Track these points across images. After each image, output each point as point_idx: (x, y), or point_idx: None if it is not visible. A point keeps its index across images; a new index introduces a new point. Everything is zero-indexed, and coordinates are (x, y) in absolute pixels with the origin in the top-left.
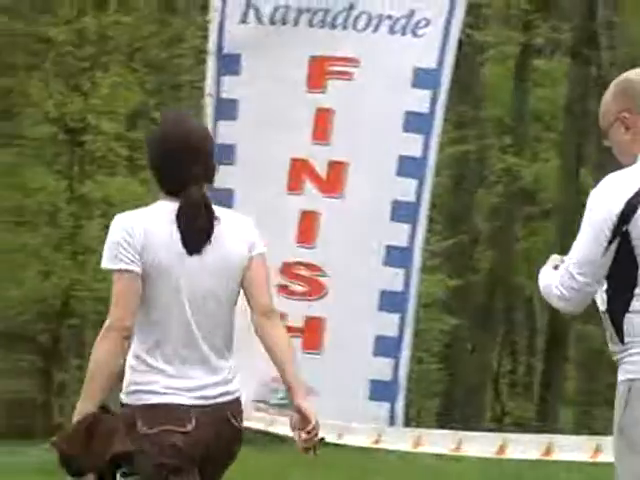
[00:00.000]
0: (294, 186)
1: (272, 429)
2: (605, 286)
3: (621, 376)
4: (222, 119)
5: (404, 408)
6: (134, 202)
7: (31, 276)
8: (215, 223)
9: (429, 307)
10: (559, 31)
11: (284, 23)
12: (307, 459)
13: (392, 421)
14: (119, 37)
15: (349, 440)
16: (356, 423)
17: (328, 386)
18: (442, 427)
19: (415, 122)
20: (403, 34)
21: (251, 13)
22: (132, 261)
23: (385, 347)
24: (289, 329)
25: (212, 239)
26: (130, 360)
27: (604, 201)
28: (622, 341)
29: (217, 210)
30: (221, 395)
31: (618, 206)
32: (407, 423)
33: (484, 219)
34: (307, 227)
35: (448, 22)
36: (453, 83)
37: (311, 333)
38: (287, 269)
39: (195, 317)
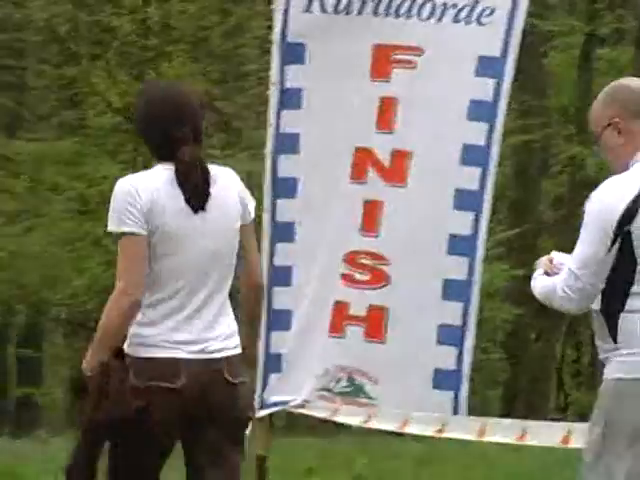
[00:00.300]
0: (358, 175)
1: (336, 418)
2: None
3: (609, 374)
4: (286, 108)
5: (468, 397)
6: None
7: (94, 265)
8: (211, 181)
9: (492, 296)
10: (624, 20)
11: (348, 12)
12: (371, 448)
13: (455, 410)
14: (183, 27)
15: (412, 429)
16: (419, 412)
17: (391, 375)
18: (505, 416)
19: (479, 110)
20: (467, 23)
21: (315, 2)
22: (139, 224)
23: (449, 336)
24: (352, 318)
25: (212, 198)
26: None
27: (606, 203)
28: (615, 340)
29: (211, 168)
30: (217, 351)
31: (620, 207)
32: (470, 412)
33: (548, 208)
34: (370, 216)
35: (513, 11)
36: (517, 72)
37: (374, 322)
38: (350, 258)
39: (199, 276)
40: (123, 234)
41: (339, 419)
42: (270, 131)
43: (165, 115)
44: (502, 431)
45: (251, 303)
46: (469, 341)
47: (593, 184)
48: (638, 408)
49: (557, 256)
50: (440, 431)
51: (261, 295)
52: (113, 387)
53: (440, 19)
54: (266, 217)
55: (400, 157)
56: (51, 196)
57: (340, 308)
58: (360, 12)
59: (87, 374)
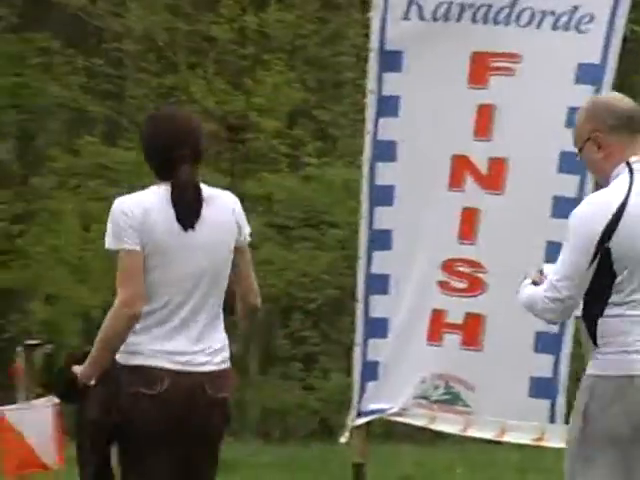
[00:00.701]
0: (455, 182)
1: (434, 426)
2: None
3: (588, 371)
4: (383, 116)
5: (565, 405)
6: (295, 199)
7: None
8: (204, 201)
9: None
10: None
11: (446, 19)
12: (468, 456)
13: (552, 418)
14: (280, 35)
15: (510, 437)
16: (516, 420)
17: (487, 383)
18: None
19: None
20: (566, 30)
21: (413, 9)
22: (134, 241)
23: (546, 343)
24: (449, 326)
25: (204, 217)
26: None
27: (587, 220)
28: (595, 342)
29: (207, 190)
30: (201, 364)
31: (600, 224)
32: (567, 421)
33: None
34: (468, 224)
35: (612, 18)
36: (616, 79)
37: (471, 329)
38: (448, 265)
39: (188, 290)
40: (120, 251)
41: (437, 427)
42: (368, 139)
43: (165, 138)
44: None
45: (245, 323)
46: (566, 349)
47: None
48: (609, 402)
49: (547, 268)
50: (539, 439)
51: (255, 316)
52: (109, 394)
53: (539, 26)
54: (363, 225)
55: (497, 164)
56: None
57: (437, 316)
58: (458, 19)
59: (83, 382)
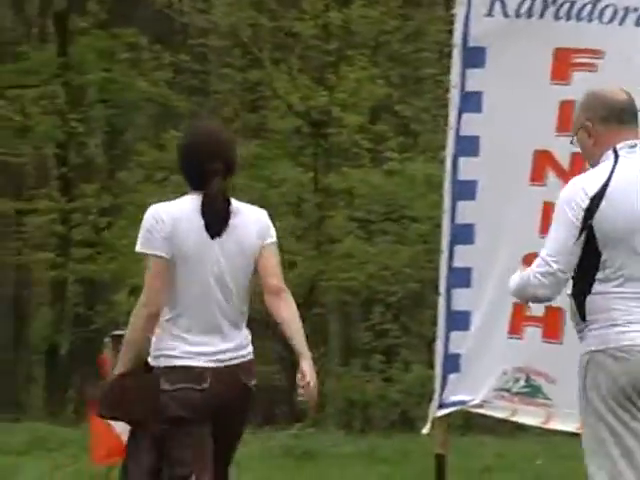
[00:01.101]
0: (537, 177)
1: (515, 418)
2: None
3: (582, 349)
4: (466, 111)
5: None
6: (376, 193)
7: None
8: (232, 212)
9: None
10: None
11: (529, 16)
12: (549, 447)
13: None
14: (364, 31)
15: None
16: None
17: (567, 375)
18: None
19: None
20: None
21: (497, 6)
22: (161, 247)
23: None
24: (530, 319)
25: (230, 227)
26: (156, 329)
27: (572, 199)
28: (584, 319)
29: (235, 203)
30: (232, 359)
31: (585, 202)
32: None
33: None
34: (549, 218)
35: None
36: None
37: (551, 322)
38: (529, 259)
39: (213, 293)
40: (149, 256)
41: (518, 419)
42: (450, 134)
43: (199, 152)
44: None
45: (275, 307)
46: None
47: None
48: (608, 374)
49: None
50: None
51: (283, 295)
52: (148, 392)
53: (622, 22)
54: (445, 219)
55: (579, 160)
56: (231, 197)
57: (519, 309)
58: (541, 16)
59: (115, 381)
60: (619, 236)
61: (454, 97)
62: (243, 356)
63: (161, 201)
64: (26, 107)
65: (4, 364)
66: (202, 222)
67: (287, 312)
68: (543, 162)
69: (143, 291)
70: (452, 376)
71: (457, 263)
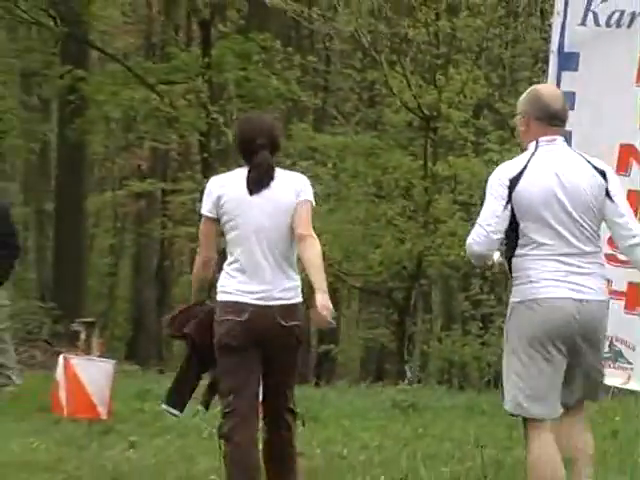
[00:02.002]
0: (622, 167)
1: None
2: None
3: (510, 300)
4: None
5: None
6: (477, 180)
7: (388, 242)
8: (273, 177)
9: None
10: None
11: (619, 26)
12: (623, 407)
13: None
14: (468, 38)
15: None
16: None
17: None
18: None
19: None
20: None
21: (590, 16)
22: (210, 210)
23: None
24: (614, 292)
25: (270, 188)
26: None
27: (499, 178)
28: (511, 276)
29: (279, 171)
30: (272, 300)
31: (508, 180)
32: None
33: None
34: (632, 204)
35: None
36: None
37: (632, 297)
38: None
39: (256, 244)
40: (203, 216)
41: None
42: None
43: (249, 129)
44: None
45: (301, 250)
46: None
47: None
48: (525, 321)
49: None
50: None
51: (309, 240)
52: (207, 319)
53: None
54: None
55: None
56: (351, 182)
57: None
58: (629, 26)
59: (184, 308)
60: (533, 210)
61: None
62: (284, 299)
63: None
64: (174, 100)
65: (150, 324)
66: (249, 184)
67: (309, 253)
68: (627, 154)
69: (199, 243)
70: None
71: None
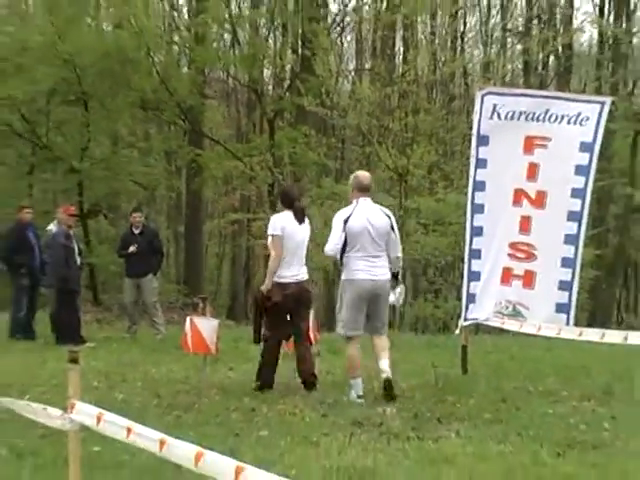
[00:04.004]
0: (517, 202)
1: (503, 326)
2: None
3: (342, 278)
4: (479, 168)
5: (575, 316)
6: (431, 210)
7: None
8: (305, 216)
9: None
10: None
11: (512, 119)
12: (520, 342)
13: (568, 323)
14: (425, 127)
15: (543, 332)
16: (547, 323)
17: (535, 306)
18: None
19: (581, 170)
20: (574, 124)
21: (495, 114)
22: (279, 231)
23: (564, 285)
24: (515, 276)
25: (304, 222)
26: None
27: (339, 217)
28: (341, 265)
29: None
30: (300, 279)
31: (343, 220)
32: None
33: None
34: (524, 225)
35: (599, 118)
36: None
37: (527, 278)
38: (513, 245)
39: (297, 251)
40: (274, 234)
41: (506, 327)
42: (470, 180)
43: (291, 192)
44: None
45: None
46: (575, 288)
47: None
48: (349, 290)
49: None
50: (558, 333)
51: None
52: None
53: (560, 122)
54: (467, 223)
55: (541, 194)
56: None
57: (507, 271)
58: (518, 119)
59: (264, 290)
60: (356, 235)
61: (472, 161)
62: (304, 279)
63: (316, 212)
64: (253, 166)
65: (240, 299)
66: (294, 218)
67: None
68: (520, 194)
69: (273, 250)
70: (471, 305)
71: (474, 247)
